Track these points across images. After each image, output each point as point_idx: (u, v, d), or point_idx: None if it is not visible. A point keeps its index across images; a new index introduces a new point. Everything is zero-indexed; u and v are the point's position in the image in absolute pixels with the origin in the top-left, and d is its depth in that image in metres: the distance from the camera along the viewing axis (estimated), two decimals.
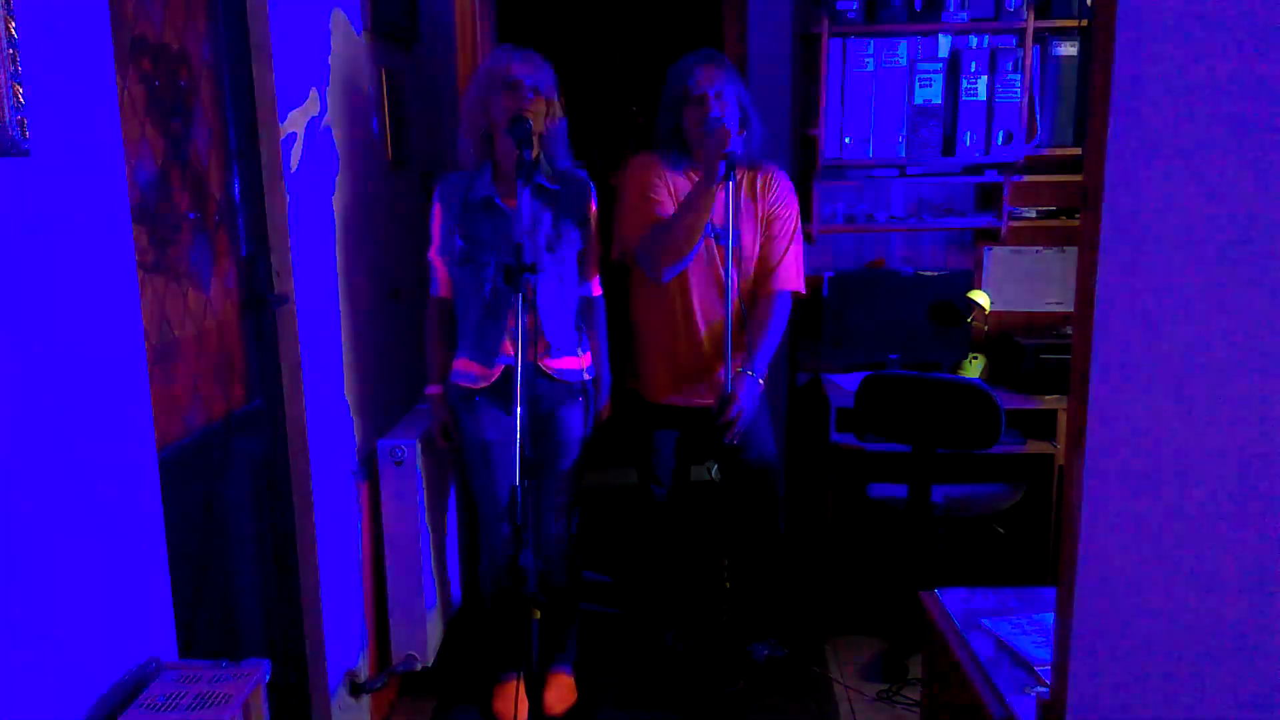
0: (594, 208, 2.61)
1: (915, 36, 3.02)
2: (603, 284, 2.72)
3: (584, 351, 2.65)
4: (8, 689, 1.29)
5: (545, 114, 2.48)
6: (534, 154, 2.46)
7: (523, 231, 2.33)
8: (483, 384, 2.56)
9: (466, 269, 2.50)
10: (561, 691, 2.78)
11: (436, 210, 2.56)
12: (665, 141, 2.69)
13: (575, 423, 2.65)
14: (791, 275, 2.72)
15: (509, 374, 2.52)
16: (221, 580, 2.04)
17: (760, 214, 2.70)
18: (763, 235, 2.71)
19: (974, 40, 3.03)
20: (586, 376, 2.66)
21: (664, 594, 3.10)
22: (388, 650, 2.79)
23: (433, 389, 2.65)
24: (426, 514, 2.75)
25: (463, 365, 2.60)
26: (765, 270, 2.71)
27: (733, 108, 2.58)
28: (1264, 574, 1.01)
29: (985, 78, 3.00)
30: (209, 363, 1.99)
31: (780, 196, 2.71)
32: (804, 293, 2.77)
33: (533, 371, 2.51)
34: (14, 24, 1.28)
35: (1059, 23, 3.01)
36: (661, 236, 2.55)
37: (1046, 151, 3.09)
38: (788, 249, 2.71)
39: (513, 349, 2.49)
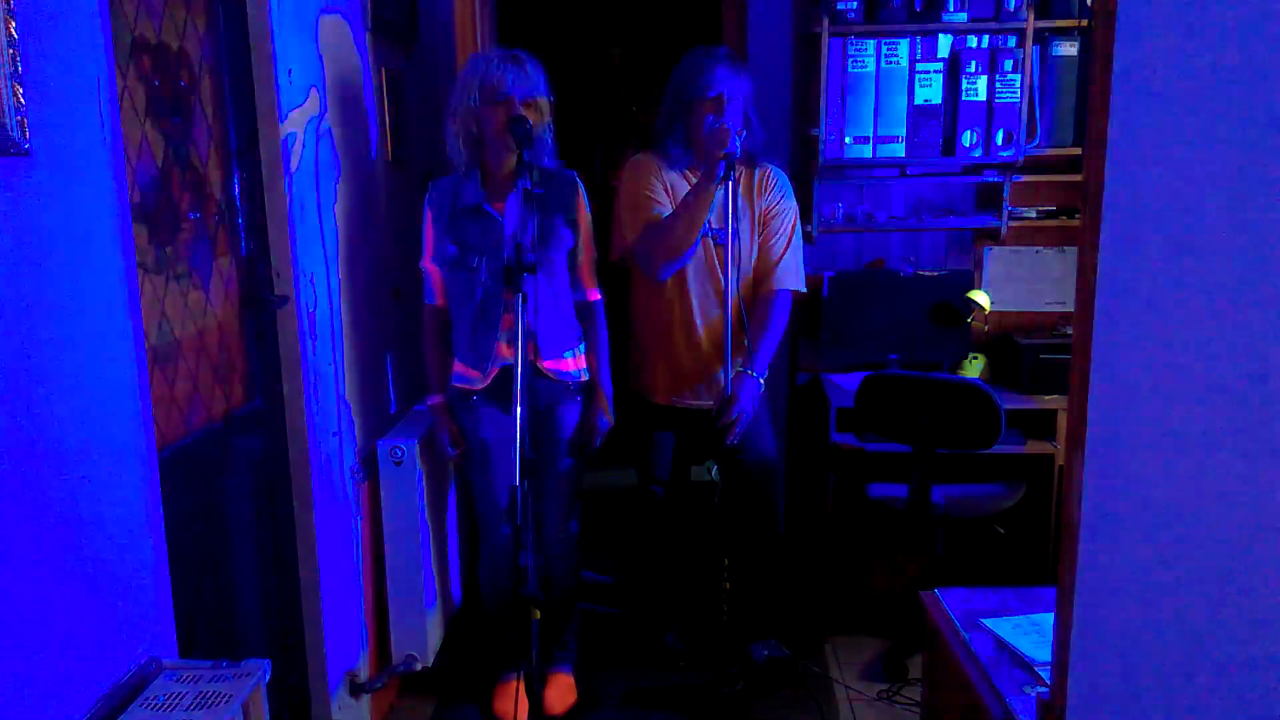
0: (584, 206, 2.59)
1: (915, 36, 3.02)
2: (604, 285, 2.71)
3: (580, 353, 2.65)
4: (8, 689, 1.29)
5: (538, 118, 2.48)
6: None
7: (519, 231, 2.36)
8: (479, 385, 2.57)
9: (459, 274, 2.50)
10: (561, 691, 2.78)
11: (428, 217, 2.56)
12: (666, 139, 2.68)
13: (572, 421, 2.65)
14: (791, 274, 2.70)
15: (504, 375, 2.54)
16: (221, 580, 2.04)
17: (758, 213, 2.69)
18: (761, 234, 2.70)
19: (974, 40, 3.03)
20: (583, 377, 2.65)
21: (664, 594, 3.10)
22: (388, 650, 2.79)
23: (435, 399, 2.65)
24: (426, 514, 2.75)
25: (459, 369, 2.60)
26: (765, 269, 2.70)
27: (739, 108, 2.58)
28: (1264, 574, 1.01)
29: (985, 78, 3.00)
30: (209, 363, 1.99)
31: (778, 195, 2.70)
32: (804, 291, 2.76)
33: (530, 371, 2.51)
34: (14, 24, 1.28)
35: (1059, 23, 3.01)
36: (659, 235, 2.55)
37: (1046, 151, 3.09)
38: (787, 248, 2.69)
39: (507, 351, 2.51)
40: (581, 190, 2.59)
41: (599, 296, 2.68)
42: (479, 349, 2.53)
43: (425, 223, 2.58)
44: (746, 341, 2.66)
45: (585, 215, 2.60)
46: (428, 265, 2.60)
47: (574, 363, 2.63)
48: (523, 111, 2.41)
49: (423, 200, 2.58)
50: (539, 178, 2.50)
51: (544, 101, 2.48)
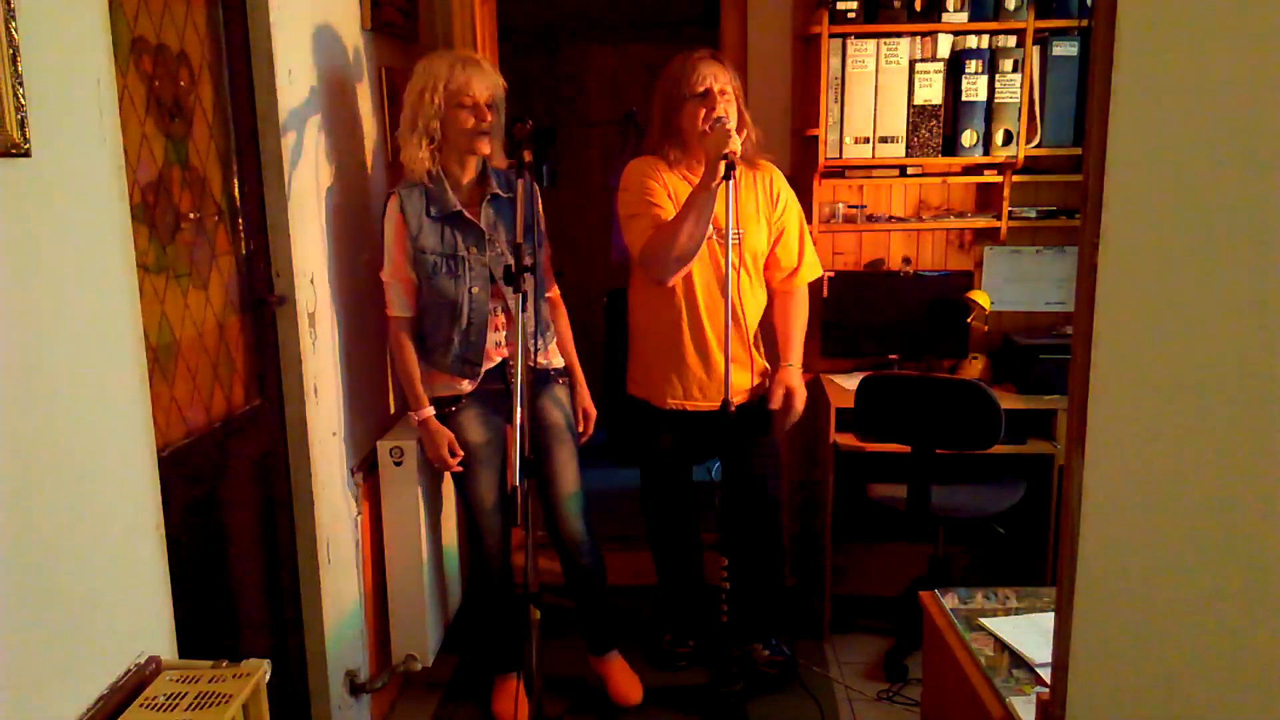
0: (541, 207, 2.60)
1: (915, 36, 3.02)
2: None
3: (551, 344, 2.70)
4: (8, 688, 1.29)
5: (498, 117, 2.50)
6: (491, 159, 2.55)
7: (496, 234, 2.43)
8: (468, 390, 2.57)
9: (446, 283, 2.48)
10: (627, 677, 2.82)
11: (398, 227, 2.48)
12: (663, 141, 2.68)
13: (561, 405, 2.68)
14: (812, 267, 2.82)
15: (489, 376, 2.55)
16: (221, 580, 2.04)
17: (770, 214, 2.72)
18: (773, 235, 2.73)
19: (974, 40, 3.03)
20: (561, 364, 2.72)
21: (664, 594, 3.10)
22: (388, 650, 2.79)
23: (424, 412, 2.55)
24: (426, 514, 2.75)
25: (443, 379, 2.58)
26: (789, 270, 2.78)
27: (734, 104, 2.58)
28: (1263, 574, 1.01)
29: (985, 78, 3.00)
30: (209, 363, 1.99)
31: (785, 195, 2.75)
32: (824, 272, 2.87)
33: (523, 375, 2.51)
34: (14, 24, 1.28)
35: (1059, 23, 3.01)
36: (665, 240, 2.55)
37: (1046, 151, 3.09)
38: (802, 245, 2.78)
39: (496, 353, 2.55)
40: (538, 191, 2.61)
41: (558, 291, 2.77)
42: (469, 357, 2.53)
43: (391, 232, 2.49)
44: (752, 347, 2.69)
45: (542, 216, 2.63)
46: (396, 276, 2.51)
47: (548, 355, 2.69)
48: (484, 113, 2.43)
49: (384, 209, 2.52)
50: (503, 181, 2.52)
51: (501, 99, 2.51)
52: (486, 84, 2.45)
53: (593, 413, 2.80)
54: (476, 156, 2.51)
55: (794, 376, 2.75)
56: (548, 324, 2.69)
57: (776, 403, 2.74)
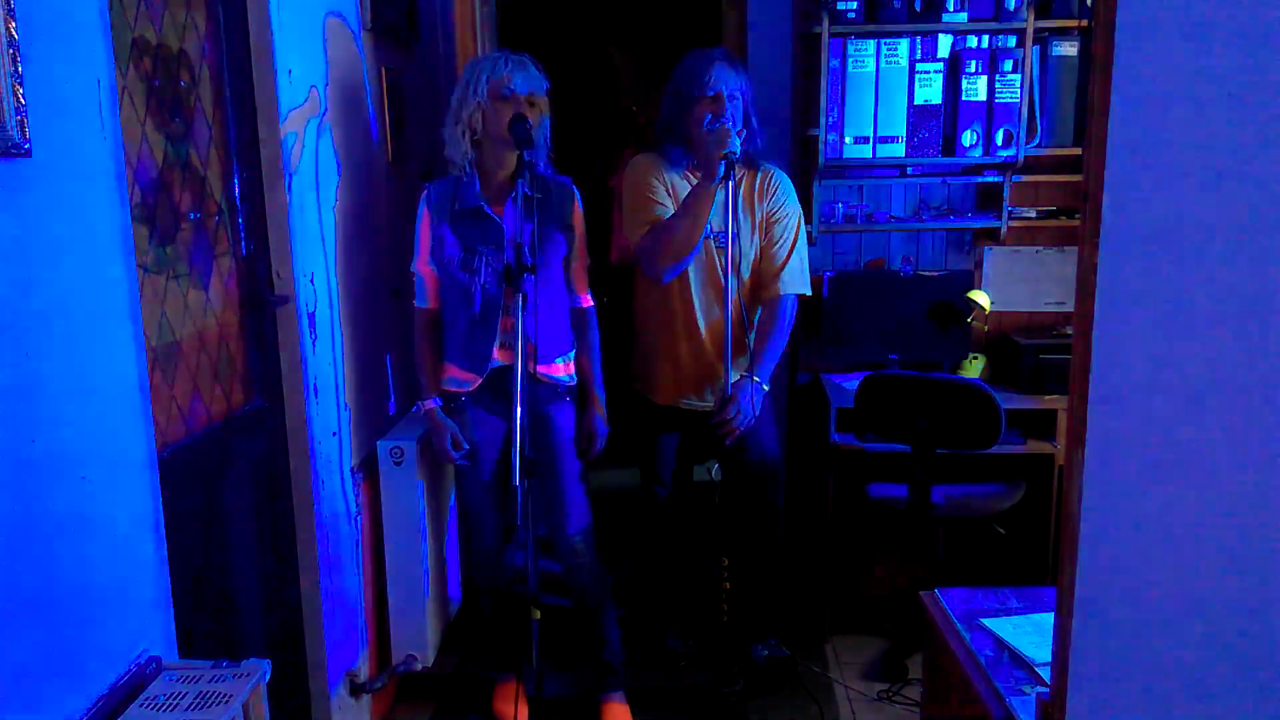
0: (579, 214, 2.56)
1: (915, 36, 3.02)
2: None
3: (570, 359, 2.62)
4: (8, 688, 1.29)
5: (538, 115, 2.47)
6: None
7: (518, 233, 2.35)
8: (470, 388, 2.56)
9: (459, 277, 2.48)
10: None
11: (425, 219, 2.51)
12: (668, 139, 2.67)
13: (566, 423, 2.62)
14: (796, 279, 2.67)
15: (495, 376, 2.52)
16: (221, 580, 2.04)
17: (760, 216, 2.67)
18: (764, 238, 2.68)
19: (974, 40, 3.03)
20: (571, 382, 2.62)
21: (664, 594, 3.10)
22: (388, 650, 2.79)
23: (432, 403, 2.56)
24: (426, 514, 2.75)
25: (451, 372, 2.57)
26: (769, 275, 2.67)
27: (739, 107, 2.57)
28: (1264, 573, 1.01)
29: (985, 78, 3.00)
30: (209, 363, 1.99)
31: (781, 198, 2.67)
32: (809, 294, 2.75)
33: (523, 374, 2.49)
34: (14, 24, 1.28)
35: (1059, 23, 3.01)
36: (661, 237, 2.55)
37: (1046, 151, 3.08)
38: (791, 253, 2.66)
39: (502, 354, 2.51)
40: (578, 198, 2.57)
41: (591, 303, 2.66)
42: (475, 352, 2.52)
43: (420, 224, 2.53)
44: (750, 344, 2.64)
45: (580, 223, 2.57)
46: (421, 268, 2.55)
47: (564, 368, 2.60)
48: (526, 108, 2.40)
49: (417, 201, 2.55)
50: (537, 185, 2.49)
51: (544, 100, 2.48)
52: (529, 80, 2.44)
53: (600, 432, 2.67)
54: (514, 153, 2.48)
55: (746, 390, 2.55)
56: (566, 334, 2.61)
57: (724, 412, 2.55)
